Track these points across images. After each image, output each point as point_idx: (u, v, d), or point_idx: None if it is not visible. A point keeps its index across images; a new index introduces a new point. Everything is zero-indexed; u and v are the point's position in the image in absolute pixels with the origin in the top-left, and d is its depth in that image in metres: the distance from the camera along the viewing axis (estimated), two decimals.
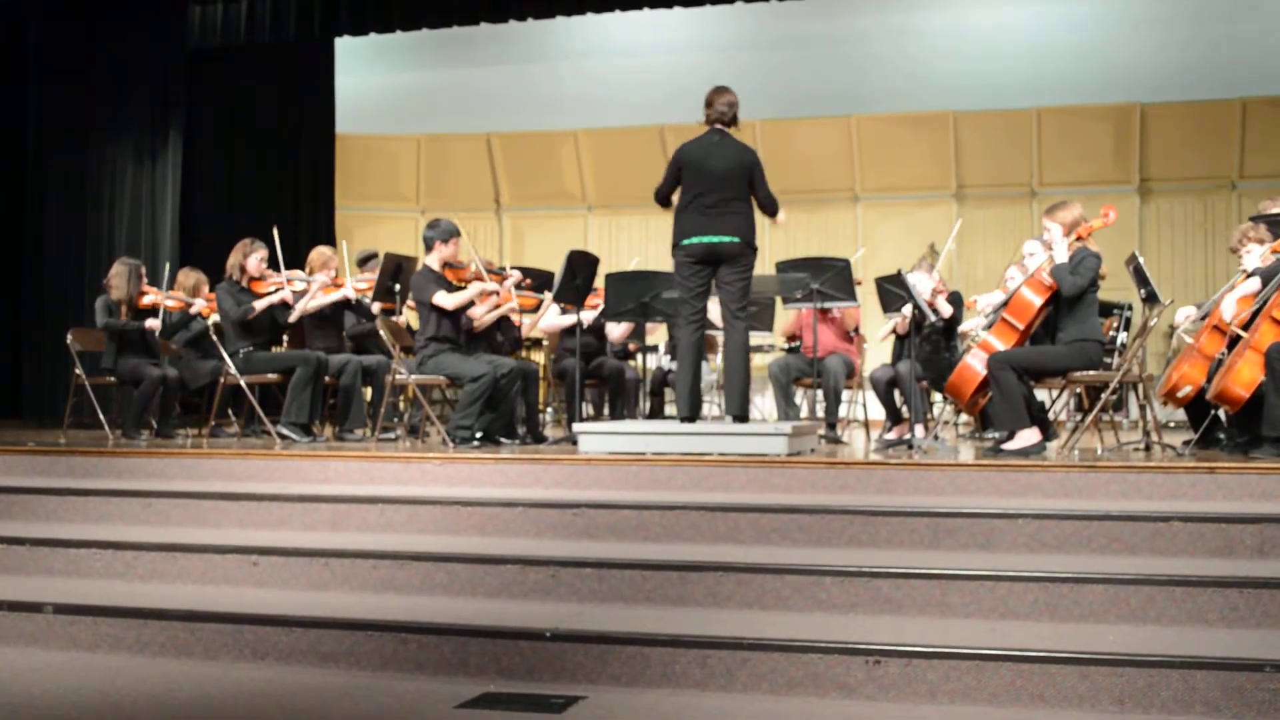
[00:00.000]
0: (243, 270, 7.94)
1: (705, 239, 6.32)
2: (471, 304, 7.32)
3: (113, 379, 8.06)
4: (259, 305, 7.80)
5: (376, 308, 8.21)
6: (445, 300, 7.07)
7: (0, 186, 11.28)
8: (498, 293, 7.47)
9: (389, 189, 13.99)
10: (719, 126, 6.47)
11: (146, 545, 5.12)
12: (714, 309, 6.80)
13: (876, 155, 12.91)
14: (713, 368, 9.52)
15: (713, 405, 9.82)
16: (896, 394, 8.02)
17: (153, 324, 7.99)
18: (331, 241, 11.96)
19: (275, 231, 8.01)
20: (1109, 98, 12.35)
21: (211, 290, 8.20)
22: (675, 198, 6.55)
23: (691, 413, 6.42)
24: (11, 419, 10.78)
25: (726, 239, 6.31)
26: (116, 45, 11.30)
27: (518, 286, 7.73)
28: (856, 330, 8.36)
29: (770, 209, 6.50)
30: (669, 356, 9.08)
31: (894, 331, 8.27)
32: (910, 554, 4.71)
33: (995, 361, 6.21)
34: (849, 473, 5.40)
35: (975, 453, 6.68)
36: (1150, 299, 6.93)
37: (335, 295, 8.07)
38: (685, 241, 6.37)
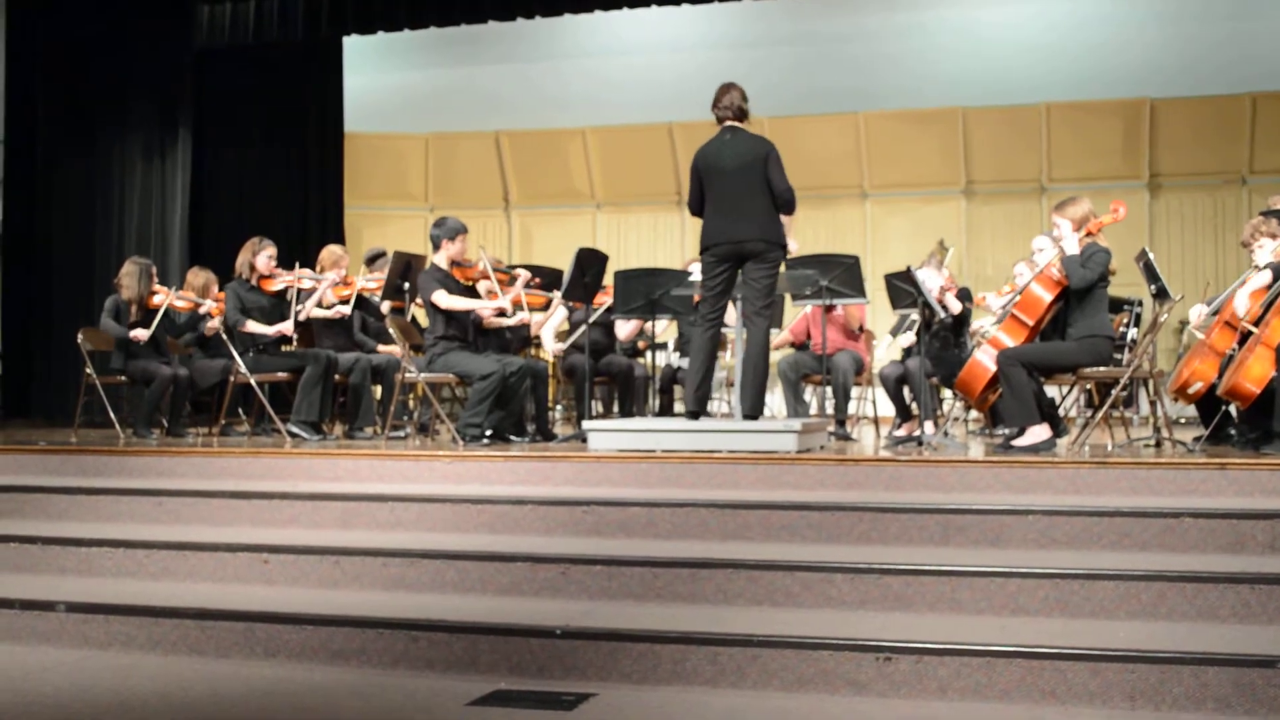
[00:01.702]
0: (252, 269, 7.96)
1: (728, 243, 6.26)
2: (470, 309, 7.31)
3: (123, 378, 8.08)
4: (252, 327, 7.75)
5: (386, 306, 8.22)
6: (443, 300, 7.07)
7: (10, 186, 11.31)
8: (504, 310, 7.42)
9: (397, 187, 14.01)
10: (730, 123, 6.40)
11: (158, 544, 5.14)
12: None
13: (885, 152, 12.89)
14: (723, 365, 9.51)
15: (722, 403, 9.82)
16: (906, 391, 8.00)
17: (139, 335, 7.93)
18: (340, 240, 11.98)
19: (298, 267, 8.03)
20: (1118, 93, 12.31)
21: (221, 289, 8.22)
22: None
23: (699, 408, 6.40)
24: (22, 418, 10.82)
25: (754, 235, 6.23)
26: (124, 45, 11.33)
27: (526, 285, 7.73)
28: (861, 328, 8.34)
29: (786, 203, 6.33)
30: (678, 354, 9.08)
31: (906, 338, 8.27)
32: (920, 551, 4.70)
33: (1005, 358, 6.20)
34: (858, 470, 5.40)
35: (985, 449, 6.67)
36: (1160, 295, 6.91)
37: (331, 312, 8.07)
38: (709, 245, 6.31)
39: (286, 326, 7.83)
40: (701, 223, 6.38)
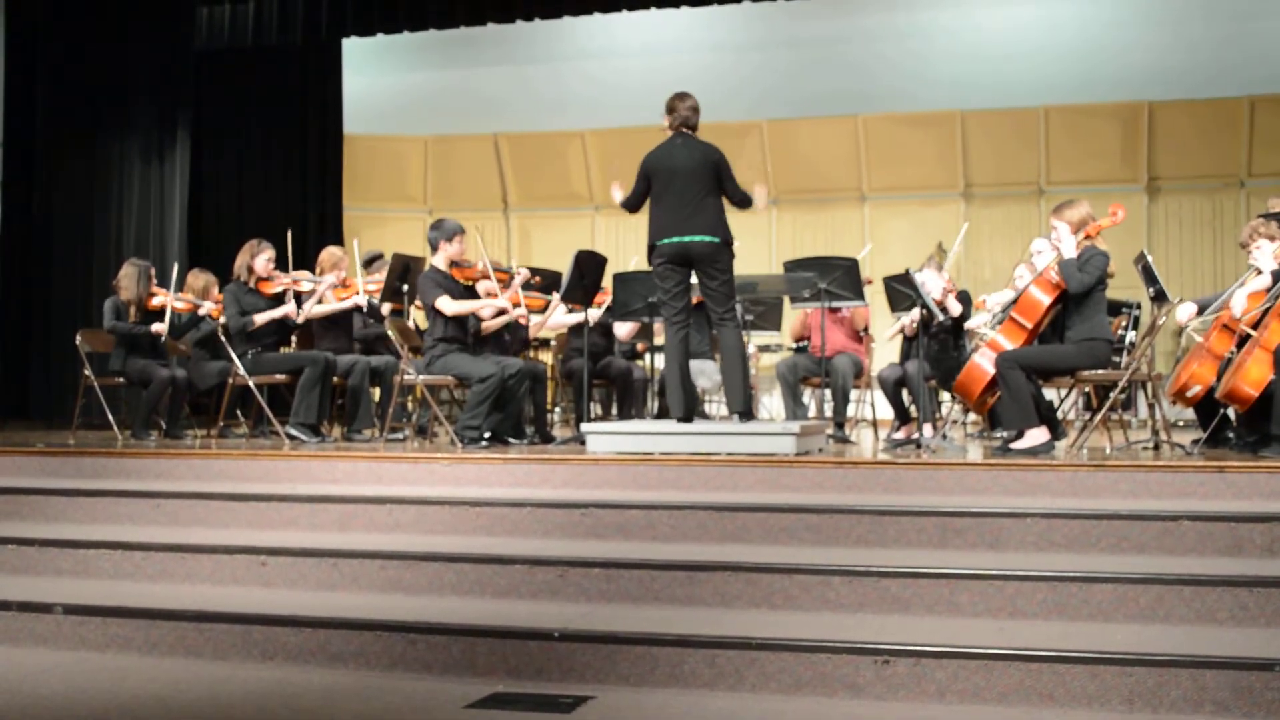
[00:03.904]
0: (250, 271, 7.95)
1: (678, 239, 6.34)
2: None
3: (121, 380, 8.07)
4: (259, 319, 7.78)
5: (385, 308, 8.21)
6: (446, 305, 7.07)
7: (9, 188, 11.30)
8: (506, 310, 7.41)
9: (396, 189, 14.01)
10: (683, 131, 6.51)
11: (155, 546, 5.14)
12: None
13: (884, 155, 12.89)
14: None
15: (720, 405, 9.81)
16: (905, 393, 8.00)
17: (159, 328, 7.98)
18: (339, 242, 11.97)
19: (289, 235, 8.01)
20: (1117, 96, 12.32)
21: (221, 291, 8.21)
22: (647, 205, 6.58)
23: (686, 412, 6.42)
24: (21, 420, 10.81)
25: (700, 238, 6.33)
26: (123, 47, 11.31)
27: (526, 285, 7.72)
28: (866, 330, 8.34)
29: (742, 202, 6.53)
30: None
31: (902, 332, 8.27)
32: (918, 553, 4.70)
33: (1004, 361, 6.20)
34: (857, 472, 5.40)
35: (984, 452, 6.67)
36: (1159, 298, 6.91)
37: (347, 303, 8.07)
38: (659, 242, 6.40)
39: (290, 309, 7.83)
40: (649, 221, 6.47)
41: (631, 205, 6.63)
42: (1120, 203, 6.68)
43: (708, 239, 6.34)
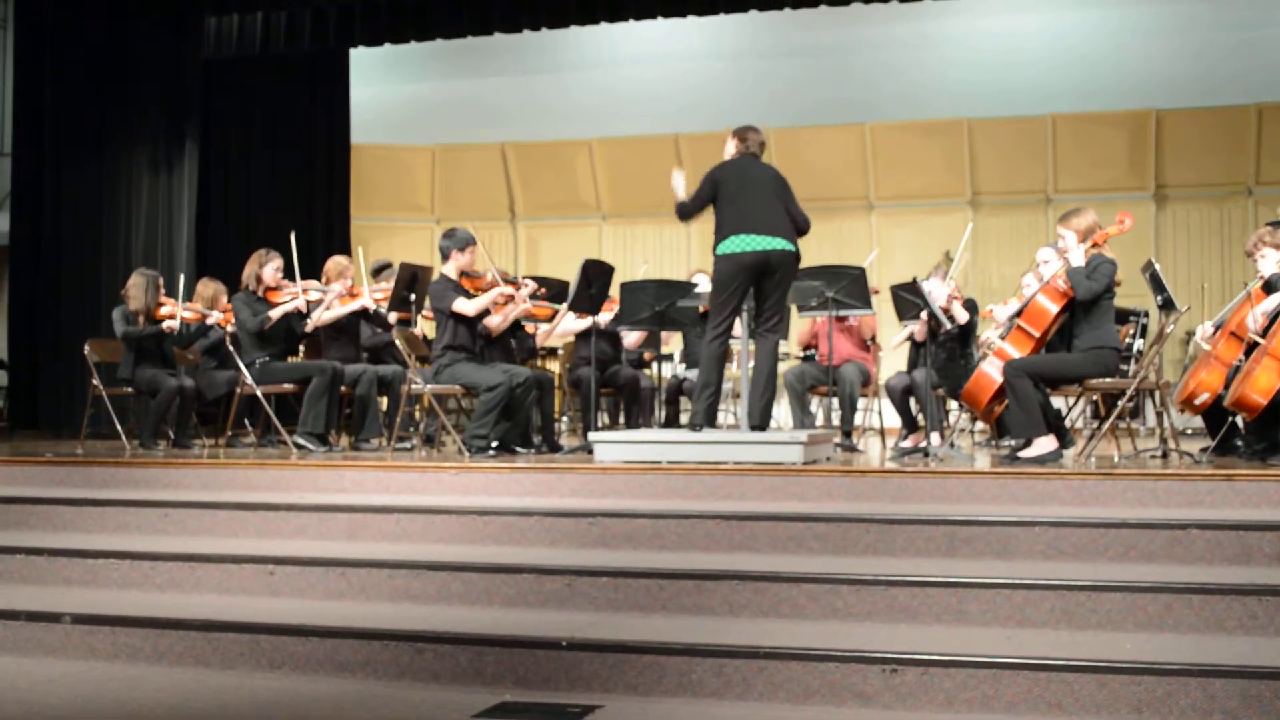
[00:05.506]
0: (259, 280, 7.97)
1: (762, 248, 6.24)
2: (490, 308, 7.33)
3: (130, 389, 8.09)
4: (274, 314, 7.83)
5: (393, 317, 8.23)
6: (465, 306, 7.09)
7: (17, 198, 11.34)
8: (513, 298, 7.45)
9: (404, 199, 14.02)
10: (753, 154, 6.57)
11: (164, 555, 5.15)
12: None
13: (891, 163, 12.89)
14: (729, 376, 9.51)
15: (728, 414, 9.81)
16: (912, 402, 8.00)
17: (171, 325, 8.00)
18: (346, 251, 11.99)
19: (292, 237, 8.02)
20: (1124, 104, 12.31)
21: (229, 301, 8.23)
22: (710, 212, 6.52)
23: (709, 421, 6.42)
24: (29, 429, 10.83)
25: (784, 245, 6.30)
26: (132, 56, 11.34)
27: (533, 296, 7.73)
28: (873, 338, 8.34)
29: (806, 227, 6.54)
30: (684, 365, 9.08)
31: (911, 339, 8.25)
32: (927, 562, 4.70)
33: (1011, 369, 6.19)
34: (865, 481, 5.39)
35: (992, 460, 6.66)
36: (1167, 306, 6.90)
37: (353, 305, 8.08)
38: (739, 248, 6.26)
39: (301, 303, 7.84)
40: (722, 222, 6.37)
41: (689, 211, 6.59)
42: (1128, 211, 6.65)
43: (789, 248, 6.33)
